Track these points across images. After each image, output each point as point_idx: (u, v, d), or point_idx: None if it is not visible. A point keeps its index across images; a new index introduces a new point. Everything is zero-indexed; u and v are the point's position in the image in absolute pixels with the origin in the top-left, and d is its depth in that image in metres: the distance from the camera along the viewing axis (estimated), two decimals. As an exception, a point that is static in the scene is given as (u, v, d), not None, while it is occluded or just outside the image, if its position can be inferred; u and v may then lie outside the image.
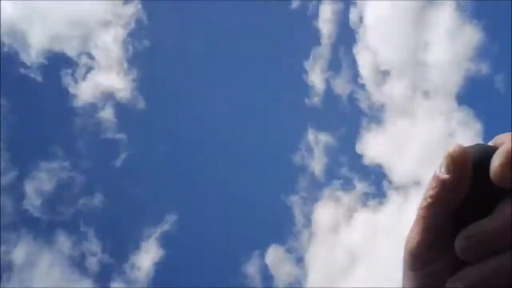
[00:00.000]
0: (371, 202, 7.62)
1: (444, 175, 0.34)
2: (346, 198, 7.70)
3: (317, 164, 7.87)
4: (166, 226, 7.49)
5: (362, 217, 7.63)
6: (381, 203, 7.55)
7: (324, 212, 7.67)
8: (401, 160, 7.73)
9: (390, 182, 7.53)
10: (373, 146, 7.70)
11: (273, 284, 7.34)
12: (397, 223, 7.31)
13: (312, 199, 7.77)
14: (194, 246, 7.74)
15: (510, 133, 0.35)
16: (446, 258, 0.36)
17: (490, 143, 0.36)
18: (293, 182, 7.84)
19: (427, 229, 0.35)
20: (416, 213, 0.36)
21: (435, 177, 0.35)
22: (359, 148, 7.77)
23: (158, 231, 7.48)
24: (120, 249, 7.60)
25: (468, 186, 0.34)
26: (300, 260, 7.47)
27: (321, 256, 7.54)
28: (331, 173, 7.87)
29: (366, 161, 7.73)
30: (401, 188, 7.49)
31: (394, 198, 7.51)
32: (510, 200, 0.33)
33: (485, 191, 0.34)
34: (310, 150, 7.82)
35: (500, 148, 0.34)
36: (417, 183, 7.40)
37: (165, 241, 7.52)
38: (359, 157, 7.77)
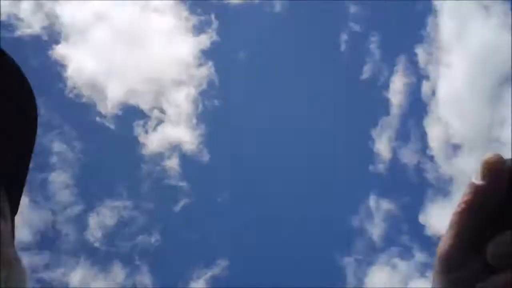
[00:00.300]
0: (430, 274, 7.17)
1: (479, 181, 0.35)
2: (403, 266, 7.29)
3: (376, 229, 7.58)
4: (216, 270, 7.37)
5: (419, 287, 7.16)
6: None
7: (378, 277, 7.27)
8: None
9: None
10: (437, 218, 7.34)
11: None
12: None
13: (367, 263, 7.43)
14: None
15: None
16: (474, 265, 0.35)
17: None
18: (349, 244, 7.57)
19: (460, 234, 0.36)
20: (451, 217, 0.36)
21: (471, 184, 0.35)
22: (422, 218, 7.43)
23: (208, 273, 7.37)
24: (170, 286, 7.54)
25: (503, 193, 0.34)
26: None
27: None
28: (390, 240, 7.53)
29: (429, 232, 7.35)
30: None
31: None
32: None
33: None
34: (370, 215, 7.56)
35: None
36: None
37: (214, 284, 7.38)
38: (422, 227, 7.41)
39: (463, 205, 0.35)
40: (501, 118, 7.77)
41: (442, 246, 0.36)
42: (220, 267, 7.41)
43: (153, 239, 7.78)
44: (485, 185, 0.35)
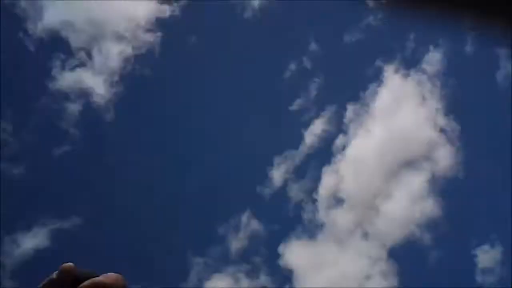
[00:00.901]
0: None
1: (54, 275, 0.56)
2: (245, 283, 7.38)
3: (237, 243, 7.65)
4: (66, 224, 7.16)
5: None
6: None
7: (220, 285, 7.31)
8: (313, 277, 7.49)
9: (293, 290, 7.27)
10: (295, 253, 7.51)
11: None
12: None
13: (215, 269, 7.45)
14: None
15: (113, 275, 0.57)
16: None
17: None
18: (204, 247, 7.58)
19: None
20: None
21: (51, 276, 0.56)
22: (282, 248, 7.57)
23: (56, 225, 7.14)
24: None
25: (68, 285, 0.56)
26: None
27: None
28: (245, 256, 7.60)
29: (281, 262, 7.50)
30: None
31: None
32: None
33: None
34: (237, 228, 7.63)
35: (95, 278, 0.56)
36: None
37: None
38: (278, 255, 7.54)
39: (49, 280, 0.56)
40: (388, 194, 8.13)
41: None
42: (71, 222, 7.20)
43: (17, 171, 7.49)
44: (57, 278, 0.56)
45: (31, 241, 7.02)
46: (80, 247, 7.46)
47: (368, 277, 7.53)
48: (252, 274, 7.40)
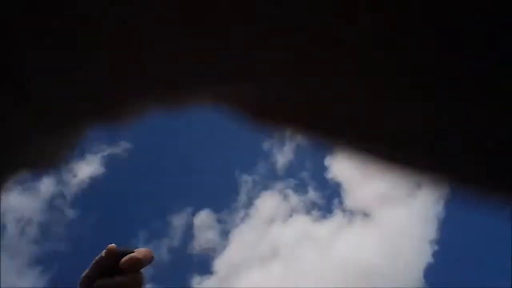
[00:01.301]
0: (315, 213, 7.44)
1: (103, 254, 0.72)
2: (294, 199, 7.53)
3: (282, 158, 7.71)
4: (117, 149, 7.31)
5: (300, 222, 7.45)
6: (324, 217, 7.38)
7: (268, 202, 7.50)
8: (361, 189, 7.57)
9: (341, 203, 7.37)
10: (341, 165, 7.56)
11: (191, 243, 7.19)
12: (329, 242, 7.20)
13: (263, 185, 7.60)
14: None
15: (143, 250, 0.74)
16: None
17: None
18: (252, 164, 7.69)
19: (95, 269, 0.73)
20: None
21: (101, 255, 0.73)
22: (328, 160, 7.64)
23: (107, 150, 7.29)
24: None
25: (113, 261, 0.72)
26: (225, 233, 7.30)
27: (246, 238, 7.37)
28: (291, 171, 7.69)
29: (329, 175, 7.57)
30: (349, 213, 7.33)
31: (338, 218, 7.33)
32: (125, 274, 0.72)
33: (118, 267, 0.72)
34: (282, 142, 7.67)
35: (130, 253, 0.72)
36: (366, 215, 7.24)
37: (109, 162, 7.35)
38: (324, 168, 7.60)
39: (99, 257, 0.72)
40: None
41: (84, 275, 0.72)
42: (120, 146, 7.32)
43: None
44: (105, 257, 0.72)
45: (86, 169, 7.23)
46: (132, 171, 7.68)
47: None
48: (300, 189, 7.52)
